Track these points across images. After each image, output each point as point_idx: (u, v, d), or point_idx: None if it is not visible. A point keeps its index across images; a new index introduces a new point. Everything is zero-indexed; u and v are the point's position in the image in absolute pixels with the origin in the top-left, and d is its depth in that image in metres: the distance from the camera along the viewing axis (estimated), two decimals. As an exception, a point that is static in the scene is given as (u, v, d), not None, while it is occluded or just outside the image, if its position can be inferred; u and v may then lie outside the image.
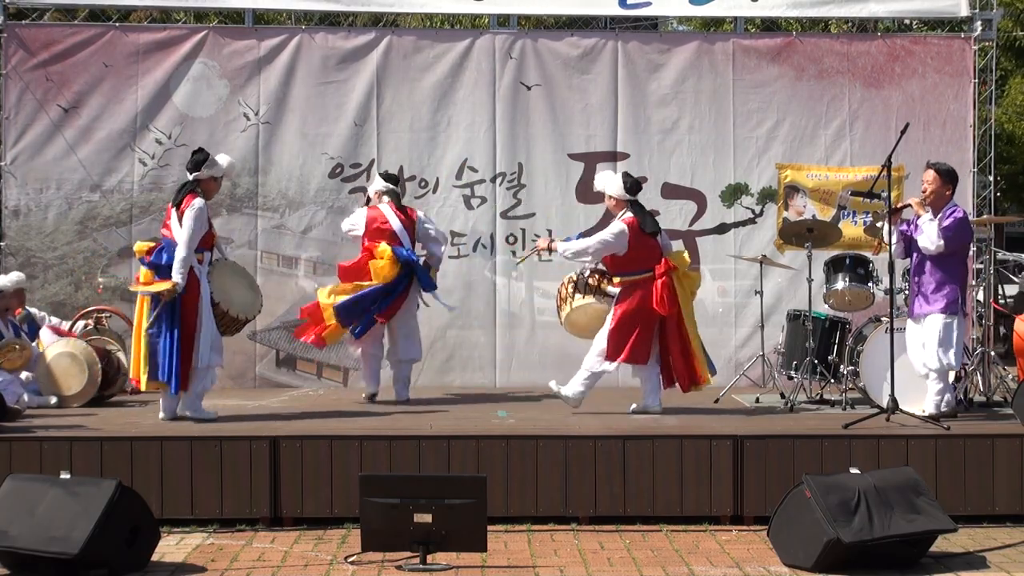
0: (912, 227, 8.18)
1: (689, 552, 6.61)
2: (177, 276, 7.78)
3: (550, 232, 10.31)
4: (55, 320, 9.82)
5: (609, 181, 8.48)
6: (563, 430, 7.57)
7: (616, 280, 8.39)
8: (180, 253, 7.80)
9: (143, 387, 8.00)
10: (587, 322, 8.51)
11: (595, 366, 8.36)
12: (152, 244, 8.04)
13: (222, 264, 8.25)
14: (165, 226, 8.05)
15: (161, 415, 8.00)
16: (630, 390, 9.84)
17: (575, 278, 8.54)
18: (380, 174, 9.56)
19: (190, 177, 8.09)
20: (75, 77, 10.39)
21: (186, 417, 7.96)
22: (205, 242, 8.01)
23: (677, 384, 8.38)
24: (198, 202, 7.92)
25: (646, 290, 8.25)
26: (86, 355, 8.86)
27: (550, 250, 8.85)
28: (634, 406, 8.41)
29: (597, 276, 8.48)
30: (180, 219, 7.89)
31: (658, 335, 8.31)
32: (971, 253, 9.90)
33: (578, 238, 8.63)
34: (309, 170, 10.54)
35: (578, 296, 8.47)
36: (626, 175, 8.54)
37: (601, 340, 8.34)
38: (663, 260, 8.31)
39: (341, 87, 10.55)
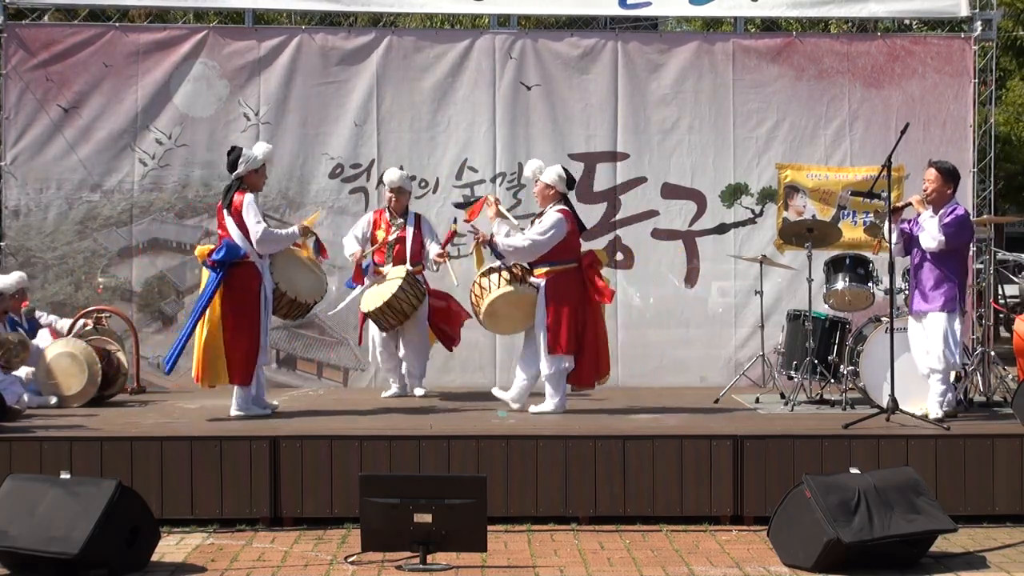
0: (913, 225, 8.18)
1: (689, 552, 6.61)
2: (293, 228, 8.29)
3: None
4: (53, 318, 9.79)
5: (548, 170, 8.46)
6: (563, 430, 7.56)
7: (540, 271, 8.34)
8: (259, 231, 7.97)
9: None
10: (508, 311, 8.38)
11: (545, 366, 8.32)
12: (212, 247, 8.12)
13: (281, 252, 8.32)
14: (220, 227, 8.16)
15: (235, 411, 8.11)
16: (630, 389, 9.86)
17: (498, 268, 8.41)
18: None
19: (232, 176, 8.17)
20: (75, 77, 10.38)
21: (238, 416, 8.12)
22: None
23: (581, 378, 8.41)
24: (248, 196, 8.08)
25: (572, 280, 8.28)
26: (86, 355, 8.85)
27: (490, 245, 8.39)
28: (535, 407, 8.37)
29: (519, 267, 8.40)
30: (236, 219, 8.01)
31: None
32: (971, 253, 9.90)
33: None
34: (309, 170, 10.54)
35: (503, 283, 8.32)
36: (564, 168, 8.55)
37: (539, 338, 8.30)
38: (588, 252, 8.44)
39: (341, 87, 10.55)
